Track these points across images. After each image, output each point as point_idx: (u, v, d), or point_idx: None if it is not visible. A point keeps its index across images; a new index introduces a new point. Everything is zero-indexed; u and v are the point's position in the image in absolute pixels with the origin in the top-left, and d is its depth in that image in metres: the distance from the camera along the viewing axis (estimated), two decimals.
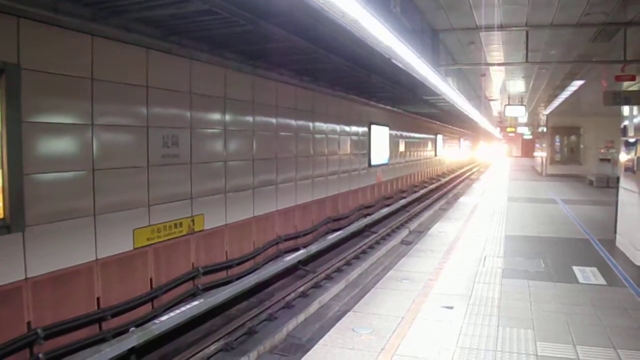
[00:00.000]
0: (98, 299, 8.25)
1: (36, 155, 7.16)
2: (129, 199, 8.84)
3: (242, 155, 12.24)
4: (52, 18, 7.16)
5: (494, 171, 39.47)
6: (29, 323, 7.11)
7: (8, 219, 6.80)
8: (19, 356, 6.94)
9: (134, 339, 7.96)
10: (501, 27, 12.68)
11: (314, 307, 11.36)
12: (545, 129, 34.83)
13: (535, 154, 49.57)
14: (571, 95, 22.85)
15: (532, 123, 50.00)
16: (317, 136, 16.76)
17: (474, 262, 9.46)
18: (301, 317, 10.68)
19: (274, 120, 13.79)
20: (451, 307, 6.99)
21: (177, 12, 8.05)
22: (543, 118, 35.57)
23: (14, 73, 6.77)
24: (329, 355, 5.42)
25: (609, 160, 27.64)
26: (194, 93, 10.31)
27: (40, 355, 7.04)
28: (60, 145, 7.64)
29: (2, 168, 6.73)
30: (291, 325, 10.24)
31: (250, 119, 12.57)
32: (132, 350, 8.02)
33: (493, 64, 17.82)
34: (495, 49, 15.48)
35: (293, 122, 14.87)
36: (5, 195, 6.78)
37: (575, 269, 9.16)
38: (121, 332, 8.21)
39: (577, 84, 20.13)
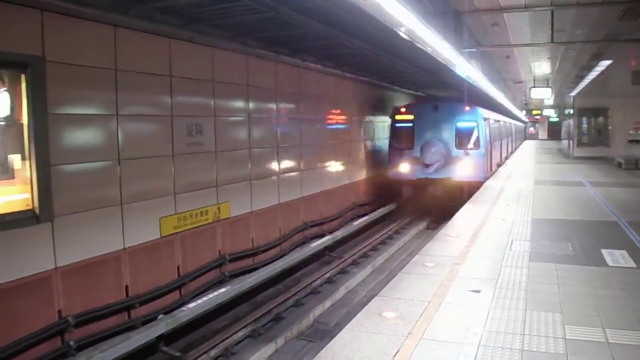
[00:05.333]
0: (126, 287, 8.35)
1: (62, 147, 7.25)
2: (155, 188, 8.92)
3: (266, 143, 12.26)
4: (75, 10, 7.21)
5: (519, 154, 38.99)
6: (59, 311, 7.23)
7: (37, 210, 6.91)
8: (51, 343, 7.07)
9: (162, 326, 8.06)
10: (526, 7, 12.49)
11: (340, 292, 11.39)
12: (571, 111, 34.28)
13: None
14: (598, 75, 22.47)
15: (558, 105, 49.27)
16: (341, 125, 16.85)
17: (501, 246, 9.37)
18: (328, 303, 10.72)
19: (297, 107, 13.79)
20: (478, 291, 6.94)
21: (198, 0, 8.06)
22: (569, 100, 35.01)
23: (39, 66, 6.85)
24: (356, 340, 5.42)
25: (637, 141, 27.14)
26: (217, 81, 10.34)
27: (72, 343, 7.16)
28: (86, 136, 7.73)
29: (30, 160, 6.83)
30: (318, 311, 10.29)
31: (273, 106, 12.59)
32: (160, 337, 8.12)
33: (517, 45, 17.58)
34: (519, 30, 15.25)
35: (317, 108, 14.85)
36: (33, 186, 6.89)
37: (604, 252, 9.03)
38: (150, 319, 8.32)
39: (604, 64, 19.79)
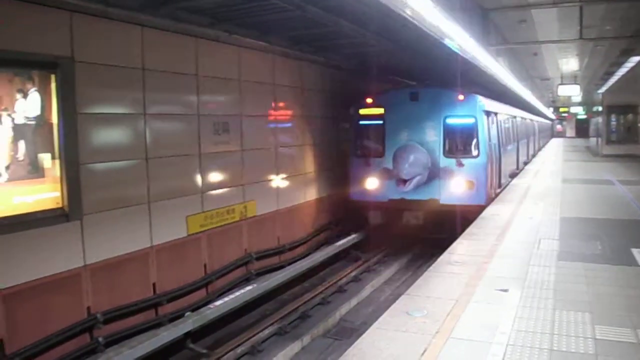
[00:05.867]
0: (154, 284, 8.43)
1: (91, 146, 7.34)
2: (182, 186, 8.99)
3: (292, 142, 12.29)
4: (103, 11, 7.30)
5: (547, 152, 38.54)
6: (88, 308, 7.33)
7: (66, 208, 7.00)
8: (80, 340, 7.17)
9: (190, 323, 8.12)
10: (554, 4, 12.35)
11: (366, 291, 11.38)
12: (600, 108, 33.81)
13: None
14: (628, 72, 22.11)
15: (586, 102, 48.64)
16: None
17: (528, 245, 9.27)
18: (354, 301, 10.71)
19: (324, 106, 13.81)
20: (506, 290, 6.87)
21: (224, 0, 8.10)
22: (598, 97, 34.54)
23: (69, 66, 6.95)
24: (383, 338, 5.41)
25: None
26: (243, 80, 10.38)
27: (100, 339, 7.25)
28: (114, 135, 7.83)
29: (59, 159, 6.93)
30: (344, 309, 10.28)
31: (299, 105, 12.62)
32: (187, 334, 8.18)
33: (545, 42, 17.38)
34: (547, 27, 15.08)
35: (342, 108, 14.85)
36: (62, 185, 6.98)
37: (635, 251, 8.88)
38: (176, 317, 8.38)
39: (634, 60, 19.46)
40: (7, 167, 6.40)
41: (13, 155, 6.47)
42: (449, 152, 13.18)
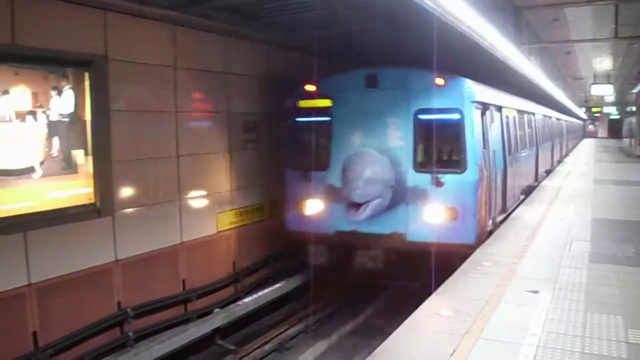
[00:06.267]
0: (184, 281, 8.51)
1: (123, 143, 7.43)
2: (212, 183, 9.06)
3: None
4: (137, 10, 7.39)
5: (578, 153, 38.01)
6: (119, 303, 7.43)
7: (98, 204, 7.11)
8: (111, 334, 7.28)
9: (218, 320, 8.20)
10: (588, 2, 12.17)
11: (395, 289, 11.33)
12: (634, 108, 33.22)
13: None
14: None
15: (619, 102, 47.88)
16: None
17: (559, 246, 9.15)
18: (382, 300, 10.67)
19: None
20: (536, 292, 6.80)
21: None
22: (631, 97, 33.96)
23: (102, 64, 7.06)
24: (412, 338, 5.39)
25: None
26: (272, 78, 10.39)
27: (130, 333, 7.35)
28: (146, 132, 7.90)
29: (92, 155, 7.03)
30: (372, 308, 10.25)
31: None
32: (215, 330, 8.24)
33: (579, 41, 17.13)
34: (581, 25, 14.87)
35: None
36: (95, 181, 7.09)
37: None
38: (205, 313, 8.45)
39: None
40: (42, 163, 6.51)
41: (47, 151, 6.59)
42: (422, 165, 8.95)
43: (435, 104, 8.68)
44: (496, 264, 8.07)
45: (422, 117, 8.91)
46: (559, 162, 26.33)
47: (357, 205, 8.19)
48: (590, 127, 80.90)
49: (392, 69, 9.36)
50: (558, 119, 27.57)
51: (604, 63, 23.38)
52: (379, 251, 9.04)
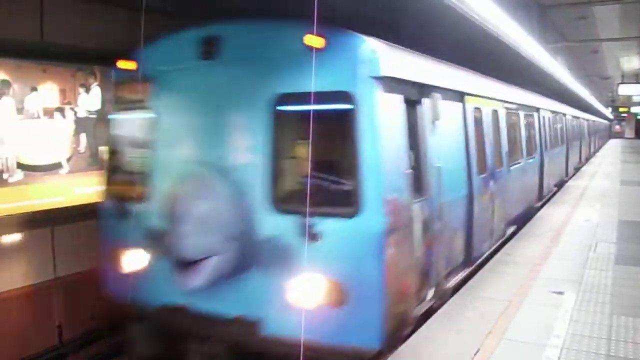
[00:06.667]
0: None
1: None
2: None
3: None
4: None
5: (604, 153, 37.55)
6: None
7: None
8: None
9: None
10: (618, 0, 12.02)
11: None
12: None
13: None
14: None
15: None
16: None
17: (584, 248, 9.07)
18: None
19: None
20: (561, 293, 6.75)
21: None
22: None
23: None
24: (435, 338, 5.38)
25: None
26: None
27: None
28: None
29: None
30: None
31: None
32: None
33: (605, 40, 16.92)
34: (608, 24, 14.69)
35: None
36: None
37: None
38: None
39: None
40: (69, 159, 6.61)
41: (75, 147, 6.67)
42: (285, 200, 5.01)
43: (307, 84, 4.33)
44: (520, 265, 8.03)
45: (283, 109, 5.06)
46: (577, 170, 22.59)
47: (187, 265, 4.79)
48: (617, 127, 79.92)
49: (243, 25, 5.46)
50: (576, 117, 23.46)
51: (632, 62, 23.01)
52: (221, 346, 5.25)
